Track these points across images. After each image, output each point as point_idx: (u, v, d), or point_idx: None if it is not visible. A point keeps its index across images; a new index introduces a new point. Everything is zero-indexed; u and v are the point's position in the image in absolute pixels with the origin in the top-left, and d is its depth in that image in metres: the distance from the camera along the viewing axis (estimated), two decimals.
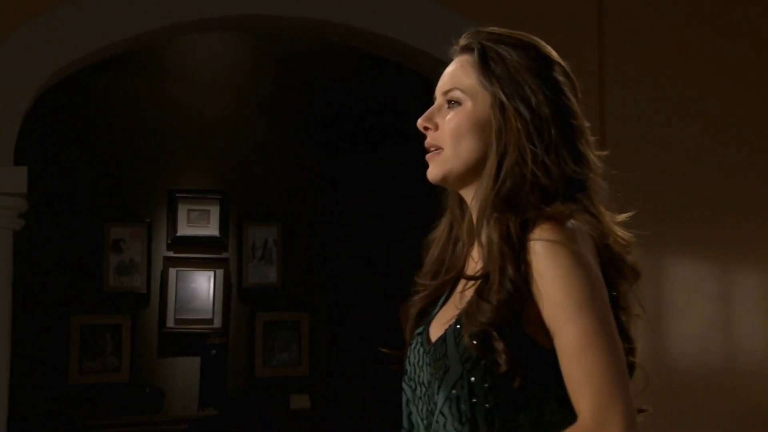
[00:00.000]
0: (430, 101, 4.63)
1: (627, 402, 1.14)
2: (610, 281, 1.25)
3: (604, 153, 1.34)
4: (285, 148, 5.54)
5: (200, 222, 5.31)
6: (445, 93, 1.33)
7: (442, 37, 3.82)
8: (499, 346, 1.16)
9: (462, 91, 1.31)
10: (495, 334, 1.16)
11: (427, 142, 1.33)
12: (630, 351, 1.29)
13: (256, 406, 5.14)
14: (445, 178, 1.31)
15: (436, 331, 1.28)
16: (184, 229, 5.27)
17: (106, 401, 4.93)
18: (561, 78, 1.32)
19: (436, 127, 1.32)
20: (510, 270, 1.18)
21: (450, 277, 1.33)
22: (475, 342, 1.17)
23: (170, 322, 5.19)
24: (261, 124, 5.52)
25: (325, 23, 3.47)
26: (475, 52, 1.32)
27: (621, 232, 1.31)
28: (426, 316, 1.35)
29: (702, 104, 3.75)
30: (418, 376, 1.28)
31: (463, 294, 1.24)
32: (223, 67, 5.26)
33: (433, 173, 1.32)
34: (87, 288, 5.07)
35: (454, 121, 1.30)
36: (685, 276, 3.65)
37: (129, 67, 5.06)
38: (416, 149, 4.76)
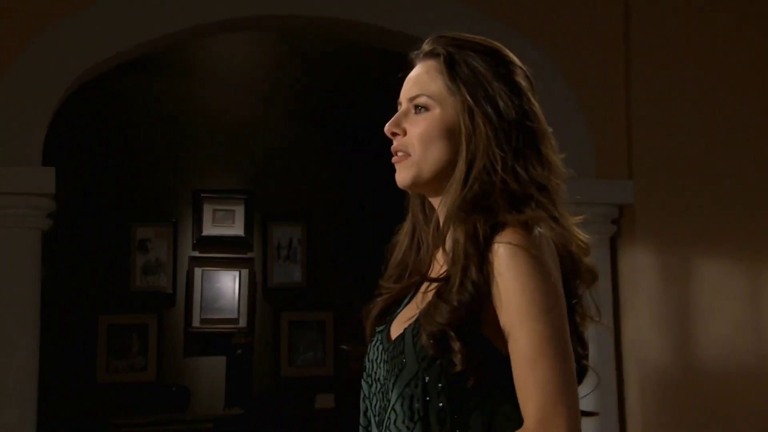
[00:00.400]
0: None
1: (572, 411, 1.17)
2: (571, 286, 1.27)
3: (563, 156, 1.36)
4: (310, 148, 5.55)
5: (225, 222, 5.33)
6: (412, 99, 1.34)
7: None
8: (456, 345, 1.18)
9: (429, 96, 1.32)
10: (452, 333, 1.19)
11: (395, 147, 1.34)
12: (584, 355, 1.33)
13: (282, 405, 5.15)
14: (414, 183, 1.33)
15: (396, 329, 1.31)
16: (210, 229, 5.30)
17: (133, 400, 4.97)
18: (524, 82, 1.34)
19: (405, 133, 1.33)
20: (473, 271, 1.20)
21: (414, 280, 1.35)
22: (432, 341, 1.19)
23: (196, 322, 5.21)
24: (286, 124, 5.53)
25: (352, 23, 3.47)
26: (441, 57, 1.32)
27: (581, 235, 1.33)
28: (389, 316, 1.37)
29: (731, 98, 3.70)
30: (375, 373, 1.31)
31: (426, 295, 1.26)
32: (248, 67, 5.27)
33: (402, 178, 1.33)
34: (114, 288, 5.11)
35: (423, 126, 1.31)
36: (714, 276, 3.61)
37: (155, 68, 5.09)
38: None
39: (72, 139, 4.87)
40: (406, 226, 1.41)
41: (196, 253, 5.29)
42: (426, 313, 1.22)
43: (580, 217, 1.36)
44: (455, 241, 1.23)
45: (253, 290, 5.35)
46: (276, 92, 5.44)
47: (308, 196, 5.52)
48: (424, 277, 1.30)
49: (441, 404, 1.20)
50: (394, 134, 1.34)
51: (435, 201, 1.35)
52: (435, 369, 1.20)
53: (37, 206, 3.11)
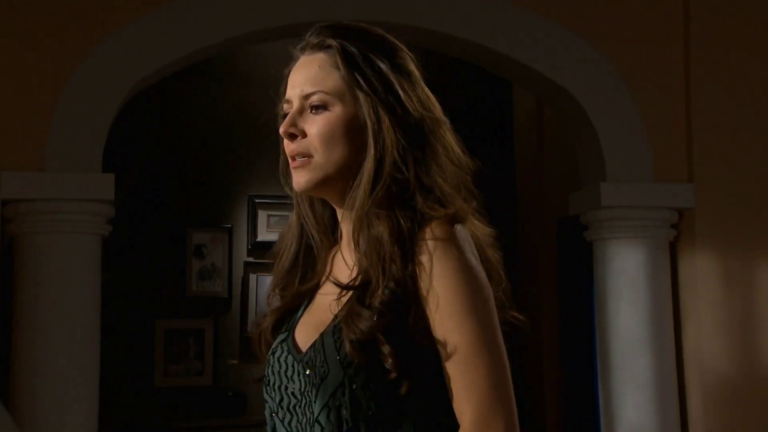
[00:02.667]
0: (508, 103, 4.52)
1: (509, 411, 1.13)
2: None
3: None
4: None
5: (280, 227, 5.35)
6: (307, 97, 1.24)
7: (524, 40, 3.77)
8: (386, 349, 1.12)
9: (327, 93, 1.23)
10: (381, 337, 1.13)
11: (294, 149, 1.24)
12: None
13: None
14: (317, 186, 1.24)
15: (305, 337, 1.23)
16: (264, 235, 5.33)
17: (191, 404, 5.02)
18: (416, 71, 1.26)
19: (304, 134, 1.23)
20: (395, 270, 1.14)
21: (309, 285, 1.28)
22: (357, 348, 1.13)
23: (251, 327, 5.25)
24: None
25: (405, 28, 3.46)
26: (335, 50, 1.24)
27: (487, 230, 1.26)
28: (284, 325, 1.29)
29: None
30: (285, 387, 1.23)
31: (340, 300, 1.19)
32: None
33: (306, 181, 1.23)
34: (170, 293, 5.17)
35: (324, 125, 1.22)
36: None
37: (211, 74, 5.14)
38: (498, 154, 4.65)
39: (128, 145, 4.95)
40: (294, 230, 1.32)
41: (251, 259, 5.33)
42: (349, 319, 1.15)
43: (473, 205, 1.27)
44: (376, 240, 1.17)
45: None
46: None
47: None
48: (335, 281, 1.20)
49: (371, 413, 1.14)
50: (292, 136, 1.24)
51: (338, 201, 1.26)
52: (362, 376, 1.13)
53: (97, 212, 3.16)
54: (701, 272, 3.48)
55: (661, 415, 3.41)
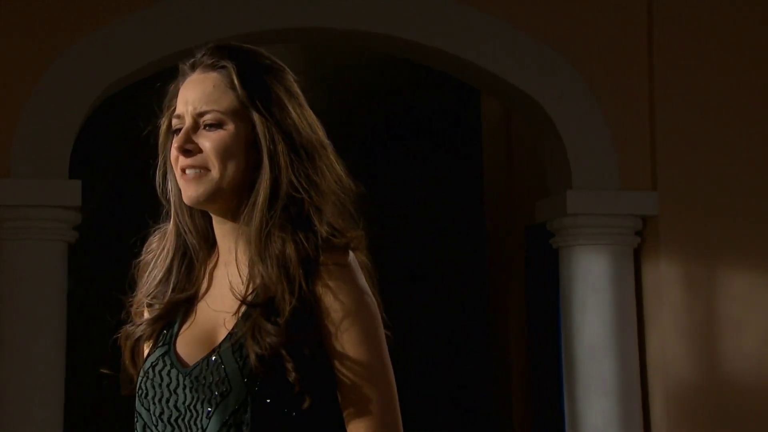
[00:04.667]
0: (476, 112, 4.54)
1: (399, 431, 1.21)
2: None
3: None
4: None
5: None
6: (201, 114, 1.27)
7: (492, 49, 3.80)
8: (290, 365, 1.17)
9: (221, 112, 1.26)
10: (285, 353, 1.17)
11: (189, 164, 1.27)
12: None
13: None
14: (210, 199, 1.26)
15: (189, 351, 1.25)
16: None
17: None
18: (301, 93, 1.31)
19: (199, 149, 1.27)
20: (299, 289, 1.19)
21: (185, 296, 1.30)
22: (263, 363, 1.17)
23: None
24: None
25: (374, 35, 3.48)
26: (231, 71, 1.27)
27: (365, 253, 1.31)
28: (159, 337, 1.31)
29: (757, 107, 3.66)
30: (167, 399, 1.24)
31: (236, 315, 1.21)
32: None
33: (199, 194, 1.26)
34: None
35: (219, 141, 1.25)
36: (740, 287, 3.57)
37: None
38: (466, 162, 4.68)
39: (97, 152, 4.92)
40: (171, 240, 1.34)
41: None
42: (254, 336, 1.18)
43: (358, 232, 1.31)
44: (281, 259, 1.21)
45: None
46: None
47: None
48: (246, 302, 1.21)
49: (272, 430, 1.18)
50: (187, 151, 1.27)
51: (228, 217, 1.28)
52: (266, 393, 1.17)
53: (63, 219, 3.14)
54: (665, 279, 3.53)
55: (625, 420, 3.44)
